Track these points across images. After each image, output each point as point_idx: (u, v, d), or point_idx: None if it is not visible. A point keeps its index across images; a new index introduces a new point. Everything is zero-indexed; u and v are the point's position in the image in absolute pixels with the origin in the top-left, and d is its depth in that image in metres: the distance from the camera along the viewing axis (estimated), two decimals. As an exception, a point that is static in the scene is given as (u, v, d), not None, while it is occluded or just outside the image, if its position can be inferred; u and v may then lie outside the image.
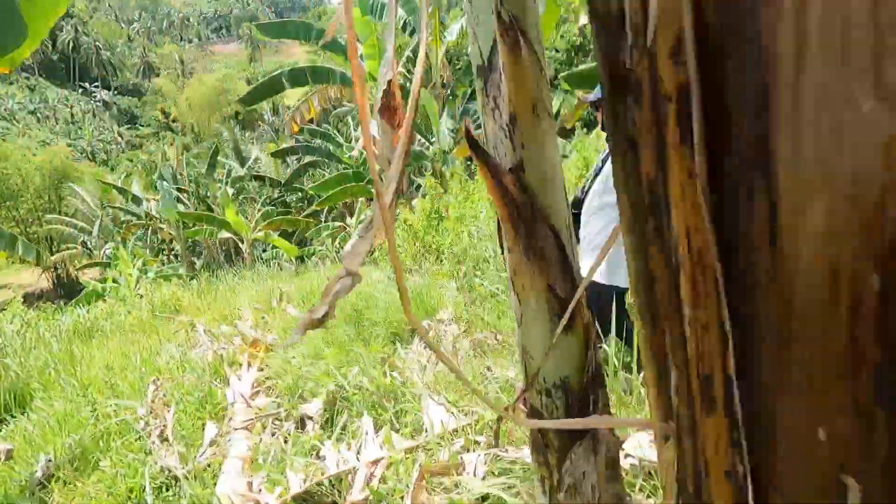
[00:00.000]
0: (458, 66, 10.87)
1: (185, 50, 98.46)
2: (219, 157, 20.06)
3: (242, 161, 25.06)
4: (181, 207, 20.13)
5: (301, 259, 13.32)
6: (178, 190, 20.07)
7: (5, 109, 65.94)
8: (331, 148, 17.71)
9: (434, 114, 8.45)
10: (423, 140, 9.29)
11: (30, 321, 9.54)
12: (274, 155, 15.53)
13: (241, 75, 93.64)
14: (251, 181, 20.53)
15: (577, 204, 2.49)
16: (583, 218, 2.45)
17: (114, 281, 12.67)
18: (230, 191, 15.50)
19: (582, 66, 6.87)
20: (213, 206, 19.53)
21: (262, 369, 4.04)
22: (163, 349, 4.75)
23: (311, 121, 10.72)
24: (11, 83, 73.45)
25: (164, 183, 20.18)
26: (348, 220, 13.65)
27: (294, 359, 3.77)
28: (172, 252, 23.24)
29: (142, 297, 8.26)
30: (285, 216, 13.66)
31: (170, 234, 20.22)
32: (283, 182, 16.83)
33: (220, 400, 3.46)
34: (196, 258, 22.04)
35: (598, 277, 2.29)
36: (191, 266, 16.41)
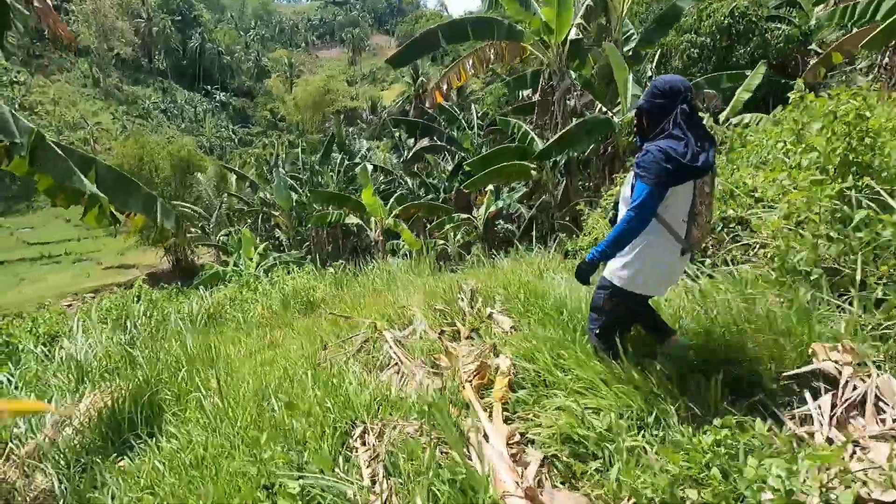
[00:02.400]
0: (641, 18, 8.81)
1: (293, 54, 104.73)
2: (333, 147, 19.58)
3: (351, 154, 24.75)
4: (294, 196, 19.98)
5: (420, 252, 11.99)
6: (293, 178, 19.97)
7: (143, 108, 73.86)
8: (455, 134, 16.38)
9: (623, 79, 6.51)
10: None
11: (155, 301, 8.94)
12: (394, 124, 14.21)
13: (342, 77, 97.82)
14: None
15: (614, 206, 2.54)
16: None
17: (234, 264, 12.27)
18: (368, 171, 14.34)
19: None
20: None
21: (509, 408, 2.41)
22: (340, 366, 3.29)
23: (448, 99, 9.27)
24: (149, 86, 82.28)
25: (280, 171, 20.13)
26: (474, 211, 12.06)
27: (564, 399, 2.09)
28: (277, 240, 23.35)
29: (273, 284, 7.19)
30: (420, 201, 12.37)
31: (283, 221, 20.25)
32: (407, 159, 15.66)
33: (480, 479, 1.83)
34: (296, 249, 21.87)
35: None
36: (308, 254, 15.85)
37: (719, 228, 3.98)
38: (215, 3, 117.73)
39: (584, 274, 2.32)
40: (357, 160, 20.51)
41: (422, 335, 3.49)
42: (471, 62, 7.92)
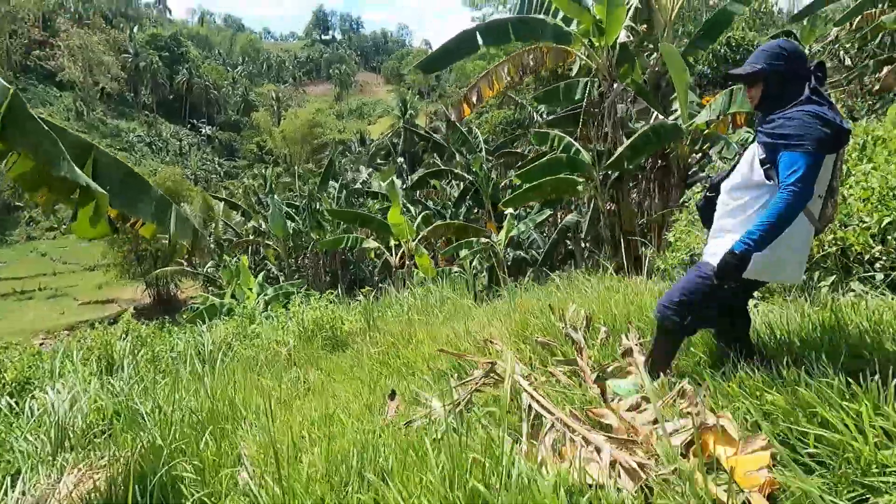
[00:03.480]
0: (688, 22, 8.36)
1: (280, 89, 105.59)
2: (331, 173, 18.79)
3: (347, 182, 24.00)
4: (290, 224, 18.98)
5: (435, 280, 11.05)
6: (288, 206, 19.02)
7: (126, 142, 72.81)
8: (459, 157, 15.70)
9: (684, 83, 5.89)
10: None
11: (144, 338, 7.78)
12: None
13: (329, 111, 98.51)
14: (364, 197, 19.06)
15: (714, 187, 2.27)
16: (725, 201, 2.16)
17: (232, 296, 11.17)
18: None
19: None
20: (322, 223, 18.19)
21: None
22: (454, 426, 2.29)
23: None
24: (133, 119, 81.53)
25: (275, 198, 19.21)
26: (494, 236, 11.25)
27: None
28: (268, 272, 22.17)
29: (291, 317, 6.15)
30: (450, 222, 11.49)
31: (276, 250, 19.16)
32: (410, 185, 14.91)
33: None
34: (290, 280, 20.69)
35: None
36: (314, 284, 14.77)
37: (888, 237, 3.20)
38: (204, 40, 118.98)
39: (733, 270, 1.93)
40: (358, 186, 19.73)
41: (549, 379, 2.55)
42: (506, 69, 7.26)
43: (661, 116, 6.43)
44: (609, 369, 2.61)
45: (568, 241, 12.11)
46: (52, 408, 3.28)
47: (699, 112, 6.56)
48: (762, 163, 1.98)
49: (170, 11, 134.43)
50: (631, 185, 7.43)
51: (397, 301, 6.46)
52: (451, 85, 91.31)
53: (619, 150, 6.02)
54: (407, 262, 9.77)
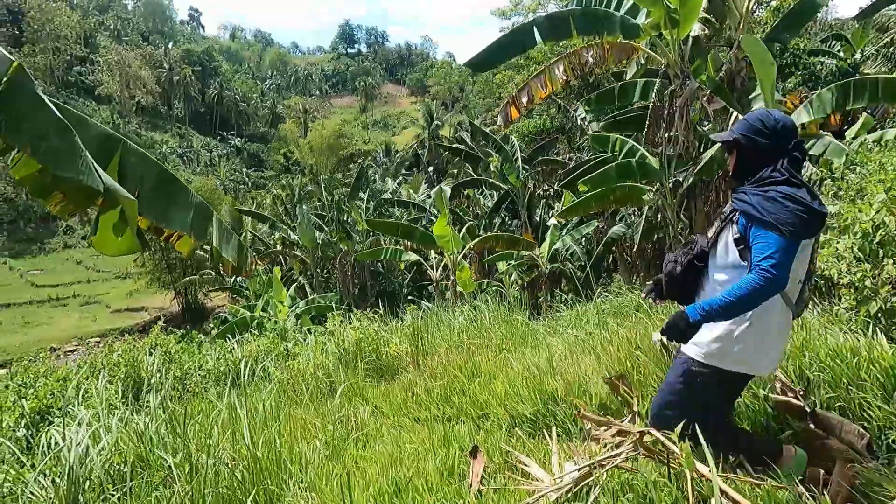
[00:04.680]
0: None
1: (307, 101, 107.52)
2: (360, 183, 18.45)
3: (375, 192, 23.69)
4: (319, 235, 18.69)
5: (474, 295, 10.41)
6: (317, 216, 18.75)
7: (160, 153, 74.92)
8: (493, 165, 15.10)
9: (770, 77, 5.19)
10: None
11: (172, 354, 7.37)
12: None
13: (355, 123, 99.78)
14: (393, 206, 18.64)
15: (702, 256, 2.02)
16: (710, 277, 1.99)
17: (264, 309, 10.78)
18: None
19: None
20: (351, 233, 17.82)
21: None
22: None
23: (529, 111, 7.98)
24: (167, 131, 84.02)
25: (303, 207, 18.97)
26: (537, 250, 10.57)
27: None
28: (296, 283, 21.88)
29: (332, 335, 5.61)
30: (498, 233, 10.89)
31: (304, 261, 18.83)
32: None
33: None
34: (318, 292, 20.35)
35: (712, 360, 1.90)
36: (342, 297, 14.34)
37: None
38: (234, 55, 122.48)
39: (678, 334, 1.84)
40: (388, 196, 19.34)
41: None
42: (561, 68, 6.67)
43: (741, 116, 5.73)
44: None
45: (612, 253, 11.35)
46: (66, 454, 2.78)
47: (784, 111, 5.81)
48: (737, 242, 1.87)
49: (203, 28, 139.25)
50: (707, 195, 6.69)
51: (445, 320, 5.85)
52: (475, 96, 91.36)
53: (709, 151, 5.33)
54: (451, 276, 9.17)
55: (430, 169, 23.69)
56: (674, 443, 1.58)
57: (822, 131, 6.47)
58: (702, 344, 1.89)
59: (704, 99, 5.75)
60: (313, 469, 2.57)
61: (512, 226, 16.09)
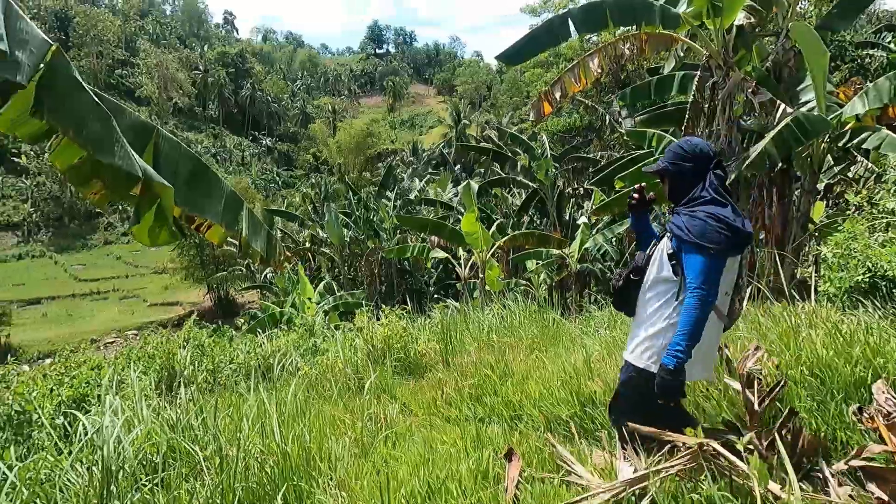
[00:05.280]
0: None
1: (336, 101, 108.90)
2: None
3: (403, 191, 23.75)
4: (347, 232, 18.85)
5: (501, 294, 10.25)
6: (344, 215, 18.91)
7: (195, 153, 77.31)
8: (522, 163, 14.87)
9: (822, 67, 4.87)
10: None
11: (204, 347, 7.50)
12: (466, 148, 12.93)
13: (383, 122, 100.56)
14: (420, 205, 18.64)
15: (639, 271, 2.16)
16: (644, 292, 2.14)
17: (292, 305, 10.92)
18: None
19: None
20: (378, 231, 17.91)
21: None
22: None
23: (558, 109, 7.80)
24: (202, 131, 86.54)
25: (331, 205, 19.16)
26: (567, 249, 10.34)
27: None
28: (327, 281, 22.13)
29: (359, 331, 5.58)
30: (528, 231, 10.76)
31: (331, 258, 19.05)
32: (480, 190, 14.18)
33: None
34: (346, 289, 20.50)
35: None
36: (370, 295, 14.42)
37: None
38: (266, 57, 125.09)
39: (675, 389, 1.89)
40: (412, 197, 19.36)
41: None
42: (596, 61, 6.47)
43: (789, 109, 5.41)
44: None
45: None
46: (99, 441, 2.81)
47: (833, 104, 5.47)
48: (670, 258, 2.01)
49: (237, 30, 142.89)
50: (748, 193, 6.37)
51: (474, 318, 5.74)
52: (503, 94, 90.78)
53: (760, 144, 5.02)
54: (479, 274, 9.05)
55: (457, 168, 23.59)
56: (740, 457, 1.44)
57: (877, 124, 6.07)
58: (642, 355, 2.06)
59: (749, 91, 5.46)
60: (343, 467, 2.51)
61: (541, 224, 15.84)
